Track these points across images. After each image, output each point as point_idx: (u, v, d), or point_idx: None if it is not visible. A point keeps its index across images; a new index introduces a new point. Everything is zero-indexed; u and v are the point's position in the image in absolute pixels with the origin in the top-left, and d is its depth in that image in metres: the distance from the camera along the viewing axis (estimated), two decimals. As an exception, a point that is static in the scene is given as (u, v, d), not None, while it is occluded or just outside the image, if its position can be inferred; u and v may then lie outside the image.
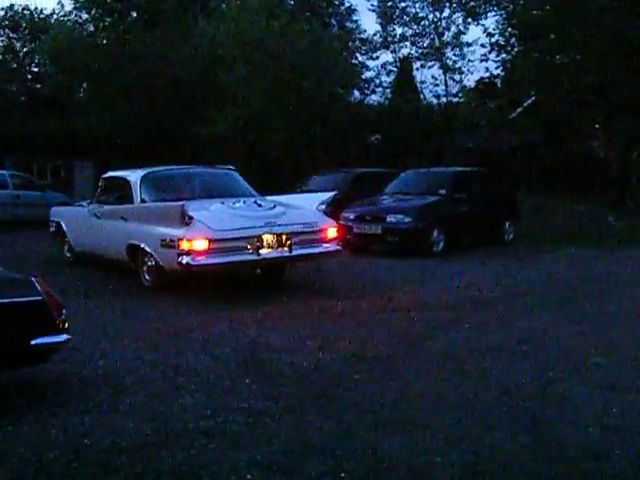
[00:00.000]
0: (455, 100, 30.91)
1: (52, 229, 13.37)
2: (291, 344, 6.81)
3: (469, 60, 30.38)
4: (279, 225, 9.38)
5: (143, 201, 10.39)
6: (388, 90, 31.89)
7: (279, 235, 9.33)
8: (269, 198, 10.48)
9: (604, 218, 20.19)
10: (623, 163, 23.65)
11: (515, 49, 25.77)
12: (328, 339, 6.93)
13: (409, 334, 7.20)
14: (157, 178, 11.20)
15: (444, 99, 30.62)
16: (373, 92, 31.93)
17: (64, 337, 5.16)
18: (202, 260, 8.81)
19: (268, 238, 9.25)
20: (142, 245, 9.72)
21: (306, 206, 10.33)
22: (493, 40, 26.07)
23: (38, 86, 34.50)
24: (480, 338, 7.08)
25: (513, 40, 25.51)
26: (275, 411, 5.02)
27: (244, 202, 9.77)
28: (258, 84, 23.23)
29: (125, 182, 10.95)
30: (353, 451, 4.35)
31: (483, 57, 27.84)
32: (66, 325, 5.19)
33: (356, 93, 31.00)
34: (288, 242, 9.37)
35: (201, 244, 8.80)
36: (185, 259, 8.74)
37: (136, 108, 26.24)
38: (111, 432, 4.63)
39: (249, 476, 4.02)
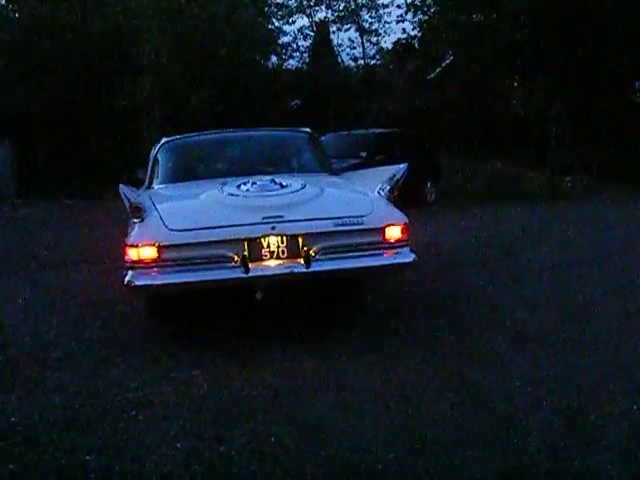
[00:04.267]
0: (373, 62, 30.92)
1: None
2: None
3: (385, 22, 30.46)
4: (291, 221, 5.75)
5: (151, 182, 7.34)
6: (306, 55, 31.72)
7: (291, 238, 5.71)
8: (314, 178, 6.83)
9: (525, 176, 20.51)
10: (542, 121, 23.95)
11: (432, 9, 25.82)
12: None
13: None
14: (178, 148, 8.03)
15: (362, 62, 30.59)
16: (291, 57, 31.72)
17: None
18: (147, 279, 5.61)
19: (269, 242, 5.69)
20: None
21: (362, 189, 6.50)
22: (409, 1, 26.11)
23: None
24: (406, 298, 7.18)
25: (429, 0, 25.55)
26: (203, 380, 4.97)
27: (254, 183, 6.25)
28: (172, 52, 22.79)
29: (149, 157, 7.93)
30: (282, 416, 4.33)
31: (400, 18, 27.93)
32: None
33: (273, 58, 30.76)
34: (305, 249, 5.68)
35: (146, 252, 5.59)
36: (128, 277, 5.61)
37: (52, 83, 25.51)
38: (38, 408, 4.53)
39: (179, 445, 3.96)
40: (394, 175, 6.35)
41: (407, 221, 5.93)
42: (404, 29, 30.34)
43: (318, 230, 5.76)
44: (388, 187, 6.20)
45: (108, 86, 24.13)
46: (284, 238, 5.70)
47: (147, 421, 4.34)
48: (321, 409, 4.43)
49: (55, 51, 25.09)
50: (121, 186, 6.01)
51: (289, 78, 28.37)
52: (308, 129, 8.31)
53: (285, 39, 31.81)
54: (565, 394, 4.50)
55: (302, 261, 5.68)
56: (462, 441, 3.90)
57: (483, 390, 4.64)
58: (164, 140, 7.91)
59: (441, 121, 27.11)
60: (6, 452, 3.98)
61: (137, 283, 5.58)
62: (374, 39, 31.21)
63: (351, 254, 5.80)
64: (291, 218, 5.75)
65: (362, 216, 5.86)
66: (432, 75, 29.41)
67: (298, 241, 5.70)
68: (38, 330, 6.41)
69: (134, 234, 5.72)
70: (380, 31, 30.89)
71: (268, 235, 5.66)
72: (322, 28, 31.54)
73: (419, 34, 28.89)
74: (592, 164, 20.68)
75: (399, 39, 31.35)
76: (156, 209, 5.94)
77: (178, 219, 5.86)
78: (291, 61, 31.73)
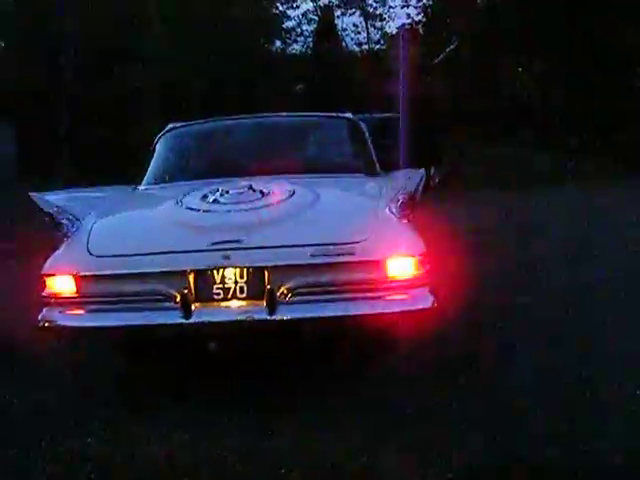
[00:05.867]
0: (377, 47, 30.81)
1: None
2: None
3: (390, 7, 30.30)
4: (251, 248, 4.24)
5: (142, 180, 6.02)
6: (310, 39, 31.61)
7: (253, 271, 4.20)
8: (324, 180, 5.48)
9: (528, 160, 20.45)
10: (546, 106, 23.84)
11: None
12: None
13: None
14: (180, 137, 6.54)
15: (366, 47, 30.50)
16: (295, 42, 31.61)
17: None
18: (62, 319, 4.32)
19: (224, 277, 4.21)
20: None
21: (372, 202, 4.87)
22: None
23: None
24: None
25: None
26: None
27: (226, 191, 4.85)
28: (173, 39, 22.75)
29: None
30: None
31: (404, 3, 27.79)
32: None
33: (278, 43, 30.66)
34: (270, 288, 4.14)
35: (63, 284, 4.31)
36: (41, 314, 4.35)
37: (53, 66, 25.49)
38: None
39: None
40: (410, 183, 4.92)
41: (424, 250, 4.26)
42: (408, 14, 30.28)
43: (289, 262, 4.17)
44: (401, 200, 4.57)
45: (108, 71, 24.10)
46: (244, 271, 4.18)
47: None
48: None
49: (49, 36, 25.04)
50: (34, 195, 4.97)
51: (293, 62, 28.32)
52: (349, 115, 6.61)
53: (289, 24, 31.75)
54: None
55: (264, 305, 4.10)
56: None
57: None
58: (169, 127, 6.54)
59: (445, 106, 26.99)
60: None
61: (47, 323, 4.33)
62: (378, 24, 31.12)
63: (336, 297, 4.18)
64: (252, 244, 4.22)
65: (354, 243, 4.20)
66: (437, 60, 29.29)
67: (263, 276, 4.15)
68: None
69: (50, 259, 4.45)
70: (385, 16, 30.79)
71: (221, 267, 4.16)
72: (326, 12, 31.41)
73: (423, 19, 28.80)
74: (593, 147, 20.67)
75: (403, 24, 31.27)
76: (90, 226, 4.63)
77: (107, 241, 4.53)
78: (295, 46, 31.67)
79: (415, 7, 27.92)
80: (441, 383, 4.49)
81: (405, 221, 4.48)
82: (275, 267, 4.16)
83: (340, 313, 4.17)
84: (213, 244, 4.19)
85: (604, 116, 22.12)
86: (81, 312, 4.33)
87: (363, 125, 6.42)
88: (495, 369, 4.67)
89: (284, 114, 7.06)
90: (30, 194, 4.93)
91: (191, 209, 4.67)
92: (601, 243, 8.76)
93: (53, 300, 4.34)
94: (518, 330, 5.50)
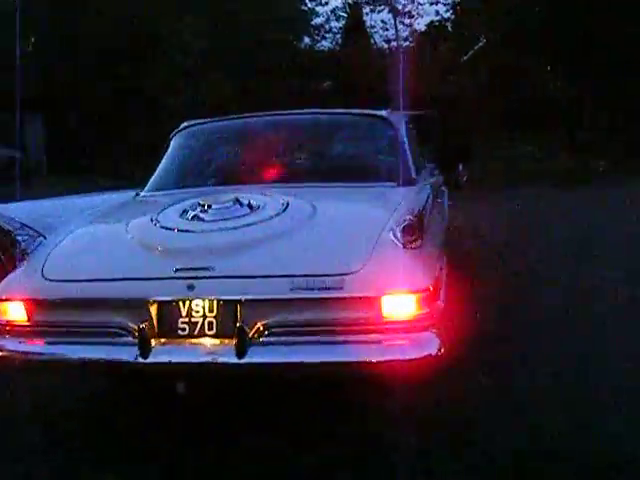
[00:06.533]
0: (405, 45, 30.78)
1: None
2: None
3: (419, 3, 30.23)
4: (220, 277, 3.59)
5: (155, 185, 5.44)
6: (338, 36, 31.66)
7: (223, 305, 3.58)
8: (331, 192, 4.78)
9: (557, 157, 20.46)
10: (575, 105, 23.79)
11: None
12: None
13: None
14: (193, 137, 5.96)
15: (394, 44, 30.47)
16: (323, 38, 31.66)
17: None
18: (14, 347, 3.90)
19: (191, 309, 3.60)
20: None
21: (376, 223, 3.91)
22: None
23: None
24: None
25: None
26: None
27: (208, 206, 4.12)
28: (198, 33, 22.89)
29: None
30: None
31: (433, 0, 27.74)
32: None
33: (306, 40, 30.74)
34: (241, 326, 3.50)
35: (13, 310, 3.89)
36: None
37: (83, 60, 25.70)
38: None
39: None
40: (418, 198, 4.18)
41: (428, 285, 3.57)
42: (437, 11, 30.26)
43: (263, 296, 3.54)
44: (406, 222, 3.72)
45: (137, 65, 24.26)
46: (214, 304, 3.57)
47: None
48: None
49: (87, 26, 25.22)
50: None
51: (321, 59, 28.41)
52: (384, 113, 5.62)
53: (318, 20, 31.81)
54: None
55: (232, 348, 3.47)
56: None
57: None
58: (183, 125, 5.95)
59: (473, 104, 26.98)
60: None
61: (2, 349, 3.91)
62: (407, 21, 31.10)
63: (319, 339, 3.51)
64: (222, 272, 3.58)
65: (343, 275, 3.49)
66: (465, 58, 29.26)
67: (235, 311, 3.53)
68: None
69: (3, 282, 3.99)
70: (413, 13, 30.75)
71: (187, 299, 3.58)
72: (355, 9, 31.44)
73: (452, 16, 28.80)
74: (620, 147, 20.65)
75: (432, 21, 31.27)
76: (52, 245, 4.13)
77: (66, 264, 4.00)
78: (324, 42, 31.72)
79: (444, 4, 27.90)
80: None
81: (410, 248, 3.67)
82: (247, 301, 3.52)
83: (320, 359, 3.49)
84: (177, 271, 3.59)
85: (632, 115, 22.07)
86: (34, 341, 3.88)
87: (402, 124, 5.52)
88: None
89: (310, 111, 6.23)
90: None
91: (165, 228, 4.04)
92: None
93: (6, 327, 3.90)
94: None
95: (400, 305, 3.51)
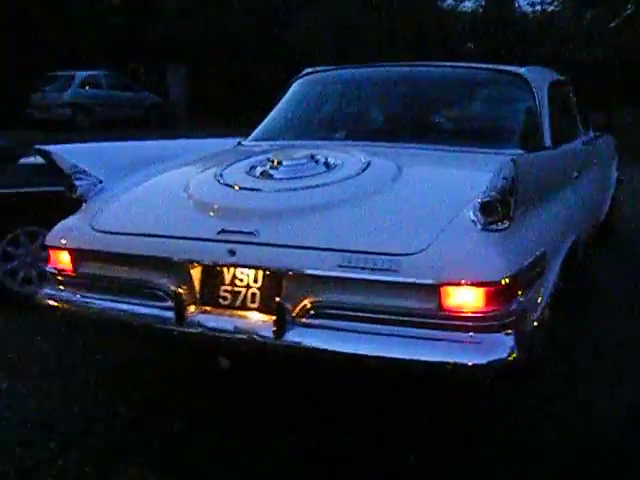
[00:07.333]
0: (551, 9, 30.08)
1: None
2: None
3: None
4: (264, 244, 3.22)
5: (261, 134, 5.15)
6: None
7: (268, 275, 3.20)
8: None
9: None
10: None
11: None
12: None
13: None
14: (310, 86, 5.52)
15: (539, 7, 29.84)
16: (467, -1, 31.34)
17: None
18: (55, 296, 3.79)
19: (234, 276, 3.28)
20: None
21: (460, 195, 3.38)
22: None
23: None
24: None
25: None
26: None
27: (279, 163, 3.77)
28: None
29: None
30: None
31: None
32: None
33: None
34: (279, 302, 3.15)
35: (61, 258, 3.77)
36: (42, 288, 3.95)
37: (229, 14, 26.31)
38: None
39: None
40: (499, 178, 3.08)
41: (508, 275, 2.96)
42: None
43: (307, 270, 3.13)
44: (486, 200, 3.07)
45: (283, 20, 24.62)
46: (258, 274, 3.25)
47: None
48: None
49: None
50: (51, 149, 4.10)
51: (464, 21, 28.17)
52: (523, 70, 4.91)
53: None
54: None
55: (271, 324, 3.16)
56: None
57: None
58: (305, 71, 5.55)
59: (618, 73, 26.21)
60: None
61: (42, 300, 3.82)
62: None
63: (366, 327, 3.08)
64: (268, 239, 3.24)
65: (400, 255, 3.03)
66: (613, 24, 28.35)
67: (279, 284, 3.19)
68: None
69: (54, 229, 3.88)
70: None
71: (230, 265, 3.28)
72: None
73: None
74: None
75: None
76: (108, 193, 3.97)
77: (116, 215, 3.80)
78: (467, 3, 31.37)
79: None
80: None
81: (491, 230, 3.09)
82: (292, 274, 3.16)
83: (363, 351, 3.04)
84: (220, 232, 3.31)
85: None
86: (74, 291, 3.73)
87: (542, 83, 4.88)
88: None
89: (435, 64, 5.58)
90: (39, 147, 4.13)
91: (226, 184, 3.71)
92: None
93: (54, 275, 3.81)
94: None
95: (464, 298, 2.97)
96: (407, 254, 3.01)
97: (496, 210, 3.05)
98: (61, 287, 3.77)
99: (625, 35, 26.23)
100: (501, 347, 2.94)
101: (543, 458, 3.32)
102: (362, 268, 3.01)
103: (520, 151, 4.11)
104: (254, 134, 5.12)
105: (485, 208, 3.07)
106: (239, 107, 22.98)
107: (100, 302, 3.61)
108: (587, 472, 3.23)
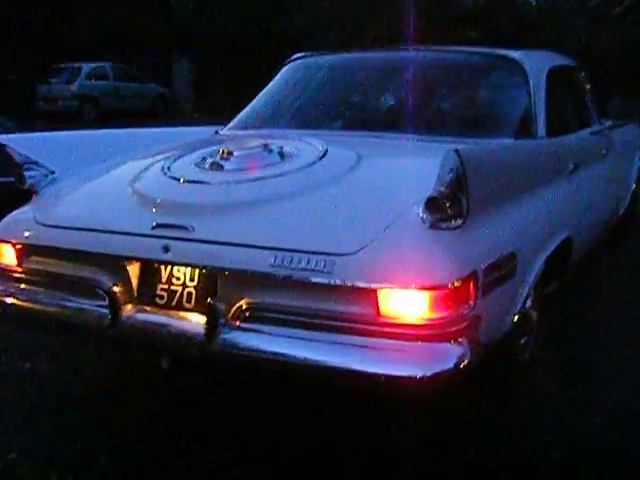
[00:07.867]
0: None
1: None
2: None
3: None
4: (197, 241, 3.07)
5: (240, 122, 5.04)
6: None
7: (203, 273, 3.07)
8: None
9: None
10: None
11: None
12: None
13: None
14: (300, 70, 5.29)
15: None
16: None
17: None
18: (4, 289, 3.64)
19: (171, 274, 3.14)
20: None
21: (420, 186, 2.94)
22: None
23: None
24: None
25: None
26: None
27: (230, 153, 3.55)
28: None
29: None
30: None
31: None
32: None
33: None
34: (210, 302, 3.01)
35: (5, 252, 3.61)
36: None
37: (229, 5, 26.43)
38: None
39: None
40: (445, 171, 2.76)
41: (454, 279, 2.71)
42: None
43: (238, 268, 2.96)
44: (434, 194, 2.78)
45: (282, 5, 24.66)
46: (194, 273, 3.10)
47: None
48: None
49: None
50: (1, 138, 3.98)
51: (466, 6, 28.24)
52: (518, 54, 4.60)
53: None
54: None
55: (203, 327, 3.00)
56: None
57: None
58: (294, 56, 5.35)
59: (619, 60, 26.21)
60: None
61: None
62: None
63: (297, 331, 2.89)
64: (200, 234, 3.08)
65: (335, 255, 2.80)
66: (616, 9, 28.32)
67: (214, 284, 3.05)
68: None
69: (2, 221, 3.73)
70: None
71: (167, 263, 3.14)
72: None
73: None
74: None
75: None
76: (56, 186, 3.84)
77: (61, 207, 3.65)
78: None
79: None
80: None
81: (441, 228, 2.82)
82: (226, 273, 3.00)
83: (293, 357, 2.85)
84: (155, 227, 3.14)
85: None
86: (20, 288, 3.58)
87: (538, 68, 4.56)
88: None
89: (429, 48, 5.23)
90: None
91: (172, 177, 3.53)
92: None
93: (0, 270, 3.65)
94: None
95: (405, 303, 2.70)
96: (342, 254, 2.79)
97: (443, 206, 2.77)
98: (7, 283, 3.62)
99: (630, 22, 26.26)
100: (447, 357, 2.70)
101: (541, 457, 3.23)
102: (295, 268, 2.80)
103: (507, 141, 3.93)
104: (232, 122, 4.94)
105: (430, 204, 2.80)
106: (243, 102, 23.15)
107: (45, 299, 3.47)
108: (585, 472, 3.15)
